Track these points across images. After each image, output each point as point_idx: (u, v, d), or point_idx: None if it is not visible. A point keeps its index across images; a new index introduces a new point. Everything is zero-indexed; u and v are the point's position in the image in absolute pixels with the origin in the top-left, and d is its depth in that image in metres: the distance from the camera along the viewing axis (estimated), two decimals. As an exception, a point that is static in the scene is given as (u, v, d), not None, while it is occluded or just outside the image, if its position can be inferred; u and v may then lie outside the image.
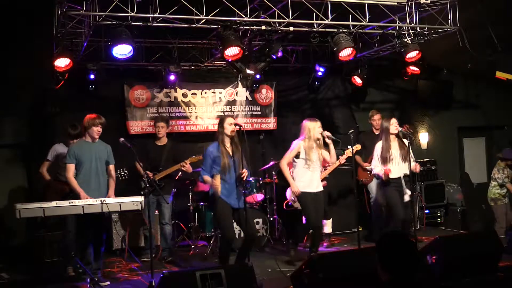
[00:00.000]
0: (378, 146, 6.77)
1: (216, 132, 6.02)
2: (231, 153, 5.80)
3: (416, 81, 9.79)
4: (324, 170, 7.39)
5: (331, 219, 7.64)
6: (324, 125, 6.58)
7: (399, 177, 6.64)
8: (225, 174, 5.75)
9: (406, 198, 6.64)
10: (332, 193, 8.30)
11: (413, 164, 6.55)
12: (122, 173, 6.75)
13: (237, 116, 8.92)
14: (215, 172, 5.76)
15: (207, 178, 5.81)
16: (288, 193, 7.54)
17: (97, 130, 5.88)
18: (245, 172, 5.77)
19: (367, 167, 7.79)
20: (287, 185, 7.57)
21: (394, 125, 6.66)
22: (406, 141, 6.64)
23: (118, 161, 6.46)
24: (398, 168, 6.63)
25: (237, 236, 7.02)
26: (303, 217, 7.55)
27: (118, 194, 6.11)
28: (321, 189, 6.54)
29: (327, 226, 7.59)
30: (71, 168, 5.86)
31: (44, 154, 7.02)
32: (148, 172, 6.77)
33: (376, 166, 6.74)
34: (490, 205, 8.37)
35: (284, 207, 7.88)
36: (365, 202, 8.31)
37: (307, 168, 6.39)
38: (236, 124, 5.77)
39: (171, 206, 7.11)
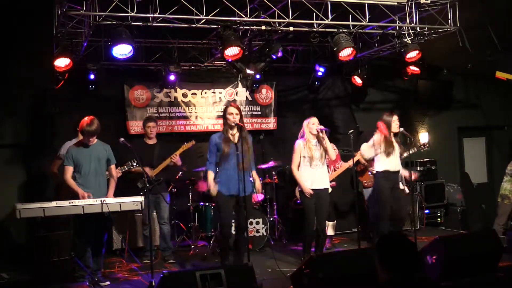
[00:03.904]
0: (377, 138, 6.75)
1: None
2: (235, 141, 5.79)
3: (416, 81, 9.80)
4: (334, 171, 7.39)
5: (335, 221, 7.61)
6: (324, 125, 6.57)
7: (396, 172, 6.66)
8: (225, 162, 5.78)
9: (401, 186, 6.64)
10: (332, 194, 8.28)
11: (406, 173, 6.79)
12: (134, 163, 6.73)
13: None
14: (221, 161, 5.80)
15: (209, 174, 5.84)
16: (297, 192, 7.54)
17: (87, 139, 5.88)
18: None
19: (371, 170, 7.75)
20: (292, 185, 7.58)
21: (395, 123, 6.68)
22: (407, 142, 6.70)
23: (118, 161, 6.46)
24: (397, 162, 6.65)
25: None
26: None
27: (120, 193, 6.12)
28: (326, 186, 6.48)
29: (330, 229, 7.54)
30: (69, 170, 5.86)
31: (44, 154, 7.02)
32: (146, 168, 6.82)
33: (366, 151, 6.77)
34: (497, 201, 8.24)
35: (293, 204, 7.85)
36: (364, 203, 8.29)
37: (308, 165, 6.38)
38: (236, 124, 5.77)
39: (168, 205, 7.12)
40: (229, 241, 5.95)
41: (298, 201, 7.47)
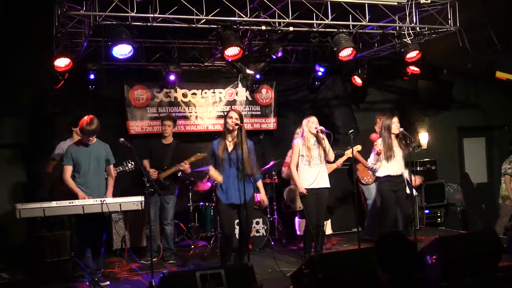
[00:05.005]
0: (379, 142, 6.75)
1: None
2: (231, 148, 5.78)
3: (416, 81, 9.80)
4: None
5: (329, 220, 7.61)
6: (324, 125, 6.58)
7: (399, 175, 6.64)
8: (222, 169, 5.76)
9: (408, 190, 6.62)
10: (331, 193, 8.26)
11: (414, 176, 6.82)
12: (129, 164, 6.72)
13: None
14: (219, 168, 5.78)
15: (211, 168, 5.81)
16: (285, 194, 7.57)
17: (87, 138, 5.88)
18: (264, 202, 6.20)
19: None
20: (285, 185, 7.60)
21: (395, 124, 6.67)
22: (407, 142, 6.68)
23: (118, 161, 6.48)
24: (399, 166, 6.63)
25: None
26: (296, 218, 7.59)
27: (121, 193, 6.11)
28: (326, 185, 6.48)
29: (328, 227, 7.54)
30: (68, 169, 5.86)
31: (44, 154, 7.02)
32: (152, 170, 6.81)
33: (372, 163, 6.74)
34: (499, 202, 8.19)
35: (283, 206, 7.91)
36: (362, 201, 8.27)
37: (307, 164, 6.39)
38: (236, 124, 5.76)
39: (173, 206, 7.10)
40: (230, 244, 5.92)
41: (287, 203, 7.53)
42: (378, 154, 6.63)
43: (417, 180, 6.89)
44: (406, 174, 6.76)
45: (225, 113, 6.10)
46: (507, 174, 7.92)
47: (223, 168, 5.77)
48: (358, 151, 7.42)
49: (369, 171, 7.74)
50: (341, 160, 7.10)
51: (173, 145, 7.14)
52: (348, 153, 7.13)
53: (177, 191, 7.23)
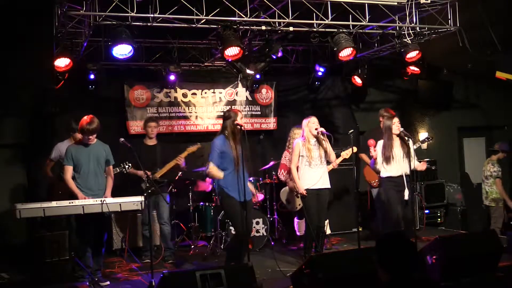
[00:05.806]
0: (380, 144, 6.76)
1: (222, 126, 5.92)
2: (237, 147, 5.73)
3: (416, 81, 9.80)
4: None
5: (327, 220, 7.60)
6: (324, 125, 6.58)
7: (400, 176, 6.61)
8: (233, 167, 5.68)
9: (406, 196, 6.61)
10: (331, 193, 8.27)
11: (418, 163, 6.77)
12: (126, 166, 6.72)
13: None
14: (222, 166, 5.72)
15: (212, 166, 5.67)
16: (282, 195, 7.57)
17: (87, 138, 5.87)
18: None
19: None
20: (284, 185, 7.61)
21: (396, 125, 6.65)
22: (410, 142, 6.66)
23: (118, 161, 6.48)
24: (400, 167, 6.60)
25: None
26: (295, 219, 7.59)
27: (120, 193, 6.12)
28: (326, 186, 6.47)
29: (327, 228, 7.55)
30: (69, 169, 5.86)
31: (44, 154, 7.03)
32: (147, 171, 6.82)
33: (378, 164, 6.75)
34: (490, 206, 8.20)
35: (278, 207, 7.92)
36: (367, 202, 8.26)
37: (308, 165, 6.39)
38: (237, 124, 5.75)
39: (169, 205, 7.11)
40: (243, 242, 5.79)
41: (283, 204, 7.54)
42: (374, 158, 6.67)
43: (422, 166, 6.89)
44: (417, 165, 6.75)
45: (232, 112, 5.94)
46: (498, 177, 7.96)
47: (235, 166, 5.68)
48: (359, 153, 7.42)
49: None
50: (337, 161, 7.09)
51: (158, 146, 7.16)
52: (343, 154, 7.14)
53: (168, 197, 7.25)
